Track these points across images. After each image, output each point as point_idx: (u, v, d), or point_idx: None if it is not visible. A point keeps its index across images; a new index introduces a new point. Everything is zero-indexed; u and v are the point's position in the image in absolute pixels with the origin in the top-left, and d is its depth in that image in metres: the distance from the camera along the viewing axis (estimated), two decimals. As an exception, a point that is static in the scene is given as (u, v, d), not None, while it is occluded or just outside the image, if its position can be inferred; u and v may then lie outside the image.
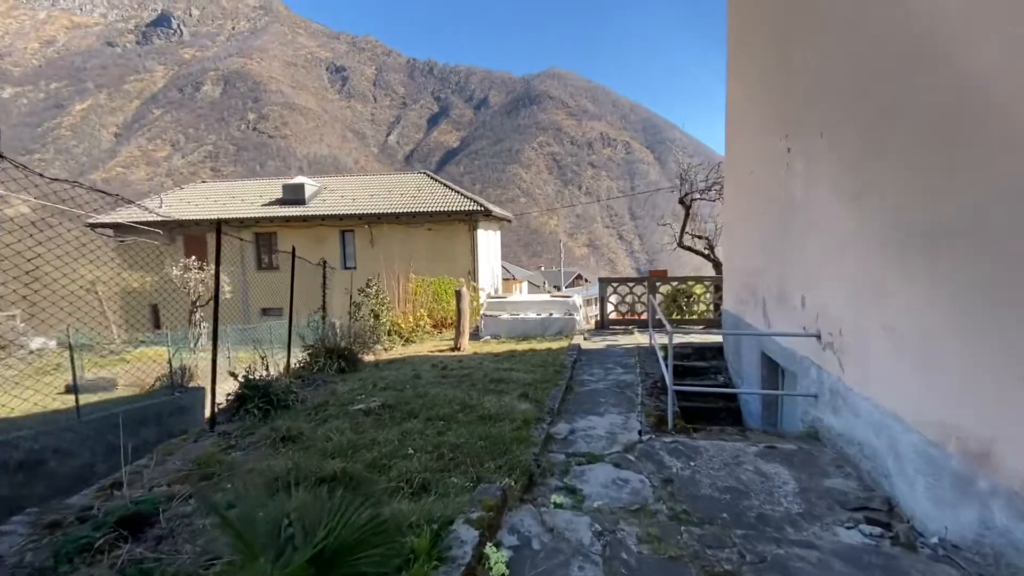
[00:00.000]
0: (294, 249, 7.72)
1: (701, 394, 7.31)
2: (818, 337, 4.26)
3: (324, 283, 8.67)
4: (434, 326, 14.88)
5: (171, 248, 21.10)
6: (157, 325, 22.47)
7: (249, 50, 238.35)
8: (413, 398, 4.92)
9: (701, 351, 8.49)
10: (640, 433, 4.57)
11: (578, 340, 9.10)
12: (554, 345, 8.83)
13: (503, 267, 42.90)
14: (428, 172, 23.11)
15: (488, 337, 11.78)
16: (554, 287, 54.02)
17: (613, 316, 10.88)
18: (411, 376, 6.30)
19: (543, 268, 73.78)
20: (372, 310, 10.44)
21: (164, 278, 18.20)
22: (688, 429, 4.68)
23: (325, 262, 8.65)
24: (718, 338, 9.25)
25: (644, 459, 4.01)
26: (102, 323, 19.61)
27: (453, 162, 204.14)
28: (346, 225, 20.19)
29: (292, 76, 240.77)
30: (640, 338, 9.45)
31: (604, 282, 10.78)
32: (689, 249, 11.63)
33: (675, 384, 4.90)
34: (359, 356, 8.21)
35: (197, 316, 18.84)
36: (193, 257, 18.08)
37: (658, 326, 9.74)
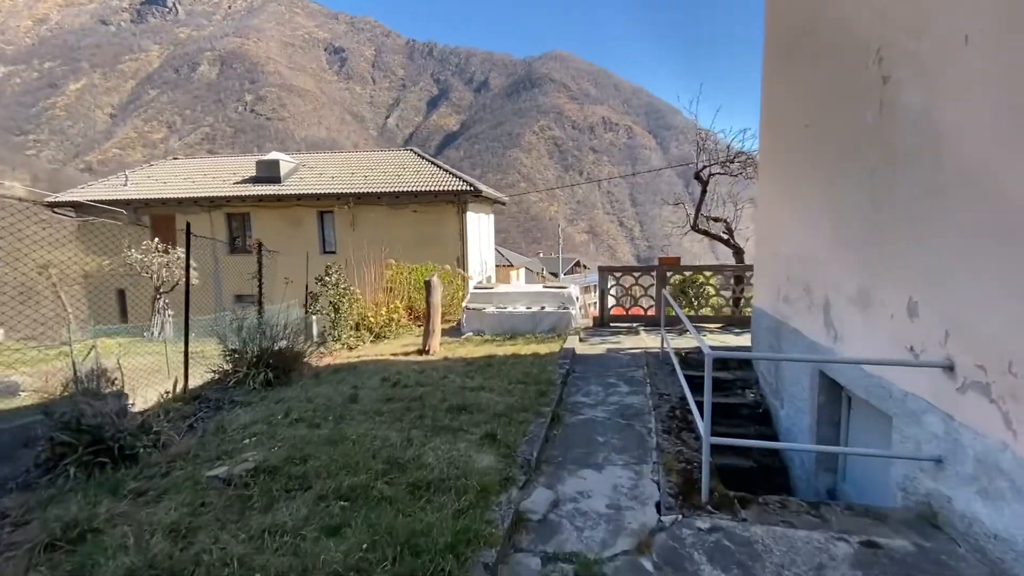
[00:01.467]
0: (188, 226, 6.11)
1: (725, 409, 5.75)
2: (949, 369, 2.65)
3: (259, 270, 7.05)
4: (415, 319, 13.32)
5: (136, 229, 19.47)
6: (124, 313, 20.96)
7: (246, 30, 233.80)
8: (321, 446, 3.33)
9: (723, 358, 6.89)
10: (660, 509, 2.99)
11: (572, 342, 7.50)
12: (543, 349, 7.23)
13: (499, 253, 41.21)
14: (415, 150, 21.35)
15: (470, 333, 10.20)
16: (552, 274, 52.39)
17: (615, 312, 9.28)
18: (346, 398, 4.71)
19: (541, 254, 72.02)
20: (331, 302, 8.84)
21: (124, 262, 16.57)
22: (731, 501, 3.09)
23: (261, 245, 7.03)
24: (742, 340, 7.65)
25: (669, 570, 2.43)
26: (56, 310, 18.06)
27: (453, 146, 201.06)
28: (324, 205, 18.52)
29: (290, 57, 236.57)
30: (648, 340, 7.86)
31: (605, 272, 9.15)
32: (705, 233, 9.98)
33: (711, 432, 3.29)
34: (302, 362, 6.63)
35: (161, 303, 17.28)
36: (156, 239, 16.41)
37: (673, 325, 8.17)
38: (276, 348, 6.20)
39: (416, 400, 4.53)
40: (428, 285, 7.39)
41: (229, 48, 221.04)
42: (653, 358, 6.63)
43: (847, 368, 3.98)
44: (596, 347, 7.42)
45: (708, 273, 8.75)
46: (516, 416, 4.08)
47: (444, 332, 10.75)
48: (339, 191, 18.02)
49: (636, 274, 9.02)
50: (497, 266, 36.21)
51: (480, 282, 20.02)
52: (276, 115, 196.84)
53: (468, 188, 17.33)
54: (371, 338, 9.94)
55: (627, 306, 9.20)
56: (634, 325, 9.05)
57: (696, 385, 4.65)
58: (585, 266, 64.13)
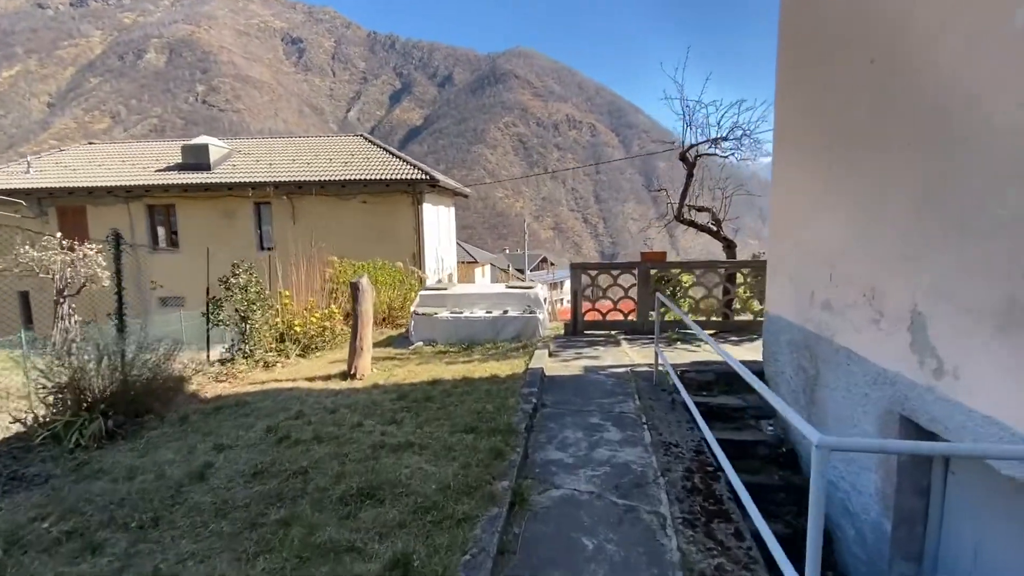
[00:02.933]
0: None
1: (737, 448, 4.34)
2: None
3: (118, 270, 5.20)
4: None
5: (38, 222, 16.91)
6: (30, 319, 18.32)
7: (196, 16, 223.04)
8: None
9: (728, 377, 5.50)
10: None
11: (541, 358, 5.97)
12: (504, 369, 5.67)
13: (463, 249, 39.48)
14: (365, 135, 19.41)
15: (420, 343, 8.58)
16: (518, 271, 50.99)
17: (590, 317, 7.82)
18: (194, 472, 3.04)
19: (508, 251, 70.58)
20: (237, 309, 7.04)
21: (18, 261, 14.11)
22: None
23: (118, 235, 5.19)
24: (744, 351, 6.29)
25: None
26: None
27: (416, 140, 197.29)
28: (262, 196, 16.41)
29: (244, 46, 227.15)
30: (632, 353, 6.41)
31: (578, 269, 7.67)
32: (691, 224, 8.63)
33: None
34: (185, 393, 4.89)
35: (65, 309, 14.89)
36: (59, 233, 14.02)
37: (681, 330, 6.71)
38: (137, 378, 4.44)
39: (299, 476, 2.90)
40: (354, 289, 5.71)
41: (178, 35, 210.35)
42: (644, 381, 5.16)
43: (955, 412, 2.59)
44: (570, 364, 5.91)
45: (699, 271, 7.39)
46: (454, 507, 2.51)
47: (389, 342, 9.11)
48: (277, 179, 15.99)
49: (615, 272, 7.57)
50: (460, 263, 34.46)
51: (440, 280, 18.32)
52: (230, 106, 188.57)
53: (424, 177, 15.60)
54: (297, 351, 8.18)
55: (604, 311, 7.74)
56: (613, 333, 7.61)
57: (707, 415, 3.20)
58: (552, 263, 63.13)
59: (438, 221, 18.19)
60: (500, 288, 9.48)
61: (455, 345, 8.42)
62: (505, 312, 8.69)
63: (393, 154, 17.39)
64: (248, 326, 7.18)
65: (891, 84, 3.15)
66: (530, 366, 5.52)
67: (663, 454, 3.40)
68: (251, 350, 7.35)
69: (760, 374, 5.48)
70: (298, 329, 8.31)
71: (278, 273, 9.65)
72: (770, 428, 4.90)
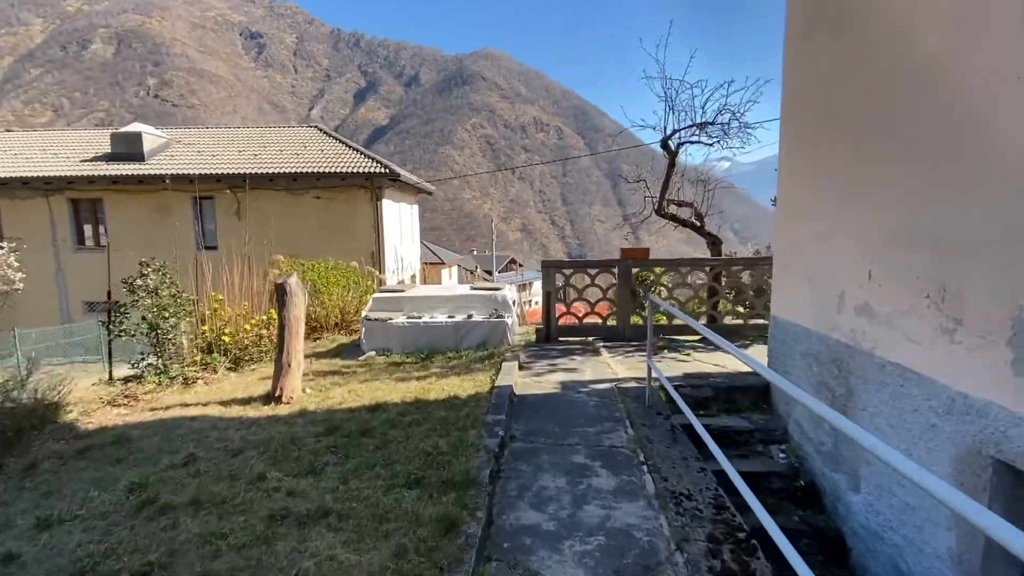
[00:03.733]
0: None
1: (749, 480, 3.53)
2: None
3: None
4: (311, 331, 10.46)
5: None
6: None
7: (147, 6, 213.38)
8: None
9: (729, 393, 4.71)
10: None
11: (510, 372, 5.04)
12: (465, 386, 4.72)
13: (430, 250, 38.26)
14: (320, 126, 18.11)
15: (372, 353, 7.54)
16: (486, 272, 50.06)
17: (564, 321, 6.95)
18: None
19: (475, 252, 69.49)
20: (146, 317, 5.85)
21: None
22: None
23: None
24: (737, 361, 5.52)
25: None
26: None
27: (382, 140, 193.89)
28: (203, 190, 14.92)
29: (200, 39, 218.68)
30: (614, 364, 5.57)
31: (551, 268, 6.78)
32: (672, 219, 7.86)
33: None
34: (22, 436, 3.76)
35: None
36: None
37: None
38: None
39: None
40: (280, 291, 4.62)
41: (128, 26, 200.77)
42: (633, 400, 4.30)
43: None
44: (544, 379, 5.00)
45: (685, 269, 6.61)
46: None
47: (338, 352, 8.05)
48: (220, 172, 14.58)
49: (592, 271, 6.72)
50: (426, 263, 33.24)
51: (403, 280, 17.19)
52: (184, 101, 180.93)
53: (383, 171, 14.47)
54: (228, 364, 7.02)
55: (581, 315, 6.88)
56: (590, 340, 6.75)
57: (720, 441, 2.37)
58: (520, 264, 62.50)
59: (400, 219, 17.08)
60: (464, 290, 8.52)
61: (412, 355, 7.41)
62: (469, 316, 7.74)
63: (350, 146, 16.18)
64: (160, 336, 5.99)
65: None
66: (497, 383, 4.58)
67: (674, 511, 2.52)
68: (165, 365, 6.17)
69: (765, 389, 4.71)
70: (227, 339, 7.14)
71: (207, 275, 8.42)
72: (782, 455, 4.12)
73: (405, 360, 7.17)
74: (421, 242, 38.77)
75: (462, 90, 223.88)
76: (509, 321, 7.64)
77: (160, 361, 6.14)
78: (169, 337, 6.01)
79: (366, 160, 14.95)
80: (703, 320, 6.94)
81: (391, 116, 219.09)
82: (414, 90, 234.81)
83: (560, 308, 6.90)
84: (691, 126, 7.20)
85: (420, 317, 7.85)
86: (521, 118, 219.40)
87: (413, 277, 18.91)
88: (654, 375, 4.10)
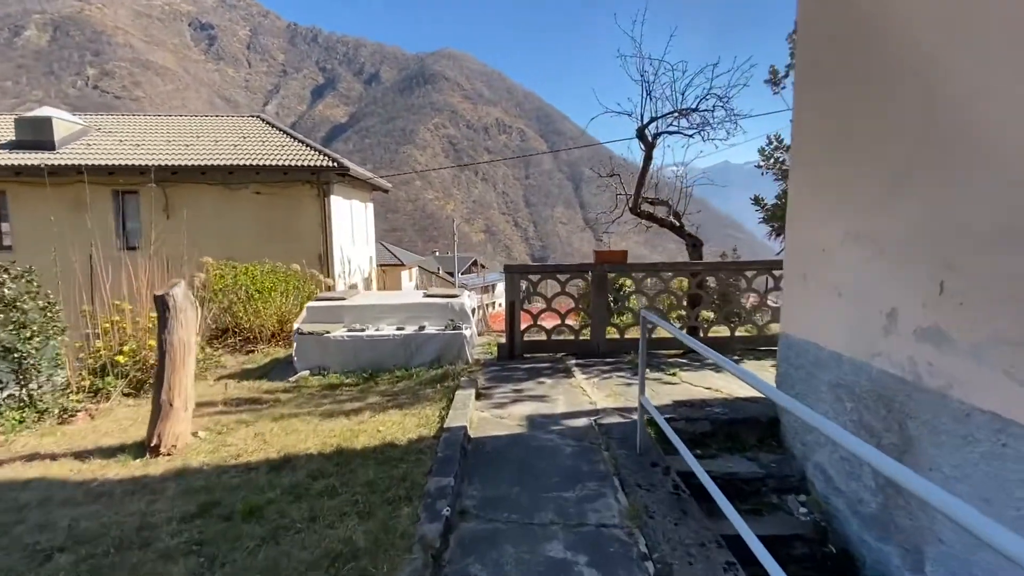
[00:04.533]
0: None
1: (767, 546, 2.68)
2: None
3: None
4: (244, 342, 9.28)
5: None
6: None
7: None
8: None
9: (730, 427, 3.88)
10: None
11: (465, 403, 4.06)
12: (407, 426, 3.72)
13: (389, 251, 36.73)
14: (263, 116, 16.62)
15: (306, 373, 6.44)
16: (448, 273, 48.82)
17: (532, 335, 6.02)
18: None
19: (437, 253, 67.98)
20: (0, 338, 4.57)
21: None
22: None
23: None
24: (737, 384, 4.73)
25: None
26: None
27: (341, 138, 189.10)
28: (125, 184, 13.30)
29: (145, 29, 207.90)
30: (589, 387, 4.68)
31: (516, 274, 5.84)
32: (650, 218, 7.07)
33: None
34: None
35: None
36: None
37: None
38: None
39: None
40: (160, 306, 3.45)
41: (64, 13, 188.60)
42: (619, 443, 3.40)
43: None
44: (507, 414, 4.05)
45: (667, 273, 5.81)
46: None
47: (269, 370, 6.92)
48: (144, 162, 12.98)
49: (562, 277, 5.83)
50: (385, 265, 31.80)
51: (355, 285, 15.89)
52: (127, 93, 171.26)
53: (330, 164, 13.22)
54: (127, 389, 5.77)
55: (549, 327, 5.97)
56: (560, 356, 5.84)
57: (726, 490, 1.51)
58: (483, 265, 61.53)
59: (351, 217, 15.81)
60: (416, 297, 7.48)
61: (353, 374, 6.35)
62: (421, 328, 6.72)
63: (295, 138, 14.80)
64: (21, 361, 4.72)
65: None
66: (447, 423, 3.58)
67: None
68: (30, 396, 4.89)
69: (772, 422, 3.90)
70: (123, 359, 5.87)
71: (123, 280, 7.09)
72: (803, 510, 3.31)
73: (344, 381, 6.11)
74: (380, 243, 37.23)
75: (424, 89, 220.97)
76: (467, 333, 6.66)
77: (23, 392, 4.86)
78: (32, 363, 4.74)
79: (312, 153, 13.65)
80: (683, 331, 6.15)
81: (351, 114, 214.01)
82: (374, 88, 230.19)
83: (526, 319, 5.98)
84: (671, 113, 6.43)
85: (364, 329, 6.77)
86: (484, 119, 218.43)
87: (368, 280, 17.64)
88: (647, 407, 3.21)
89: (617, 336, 5.89)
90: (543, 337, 5.96)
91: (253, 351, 8.90)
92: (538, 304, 6.21)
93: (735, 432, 3.87)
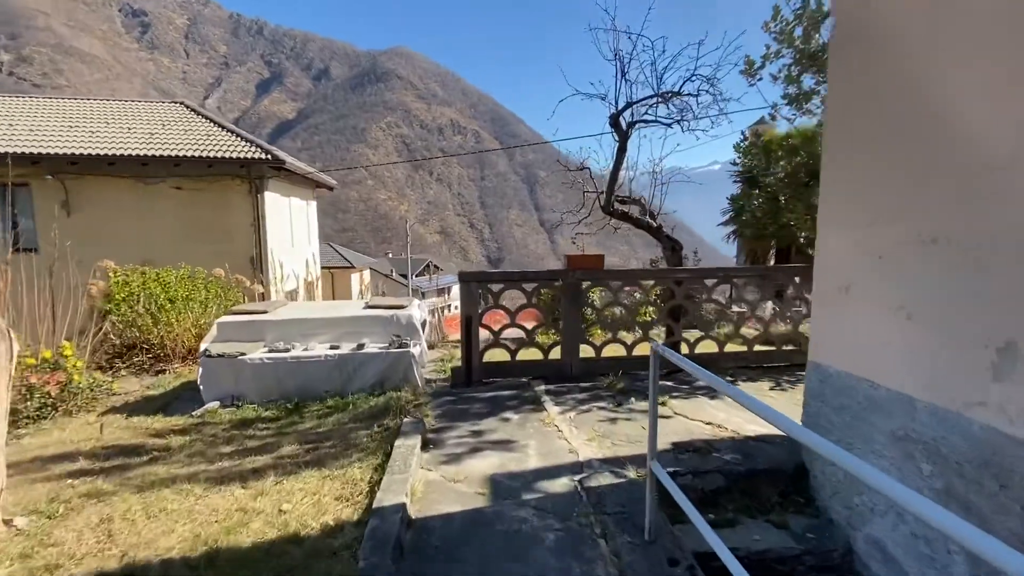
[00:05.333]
0: None
1: None
2: None
3: None
4: (154, 361, 7.99)
5: None
6: None
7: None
8: None
9: (748, 480, 3.06)
10: None
11: (406, 459, 3.06)
12: (322, 504, 2.69)
13: (339, 253, 34.76)
14: (186, 102, 14.89)
15: (214, 405, 5.27)
16: (401, 276, 47.18)
17: (493, 354, 5.06)
18: None
19: (391, 255, 65.79)
20: None
21: None
22: None
23: None
24: (736, 412, 3.94)
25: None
26: None
27: (289, 135, 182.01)
28: (16, 175, 11.38)
29: (69, 13, 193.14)
30: (564, 423, 3.79)
31: (473, 283, 4.87)
32: (624, 218, 6.26)
33: None
34: None
35: None
36: None
37: (625, 371, 3.99)
38: None
39: None
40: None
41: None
42: (615, 520, 2.50)
43: None
44: (463, 471, 3.08)
45: (649, 282, 5.01)
46: None
47: (173, 399, 5.70)
48: (37, 151, 11.17)
49: (529, 287, 4.91)
50: (334, 268, 29.95)
51: (293, 290, 14.43)
52: (48, 81, 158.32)
53: (263, 156, 11.80)
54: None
55: (514, 347, 5.02)
56: (528, 382, 4.91)
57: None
58: (438, 267, 60.11)
59: (291, 217, 14.36)
60: (355, 309, 6.38)
61: (274, 405, 5.21)
62: (360, 347, 5.65)
63: (224, 127, 13.24)
64: None
65: None
66: (379, 497, 2.57)
67: None
68: None
69: (798, 471, 3.11)
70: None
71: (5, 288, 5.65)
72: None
73: (260, 415, 4.99)
74: (328, 244, 35.26)
75: (376, 87, 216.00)
76: (416, 351, 5.63)
77: None
78: None
79: (243, 144, 12.17)
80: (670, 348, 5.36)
81: (299, 110, 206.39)
82: (324, 84, 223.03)
83: (486, 336, 5.01)
84: (651, 96, 5.63)
85: (289, 349, 5.62)
86: (438, 119, 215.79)
87: (311, 285, 16.16)
88: (654, 469, 2.32)
89: (592, 355, 5.02)
90: (506, 358, 5.00)
91: (164, 371, 7.59)
92: (500, 316, 5.26)
93: (754, 486, 3.06)
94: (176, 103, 14.69)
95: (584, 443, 3.41)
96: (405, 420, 3.68)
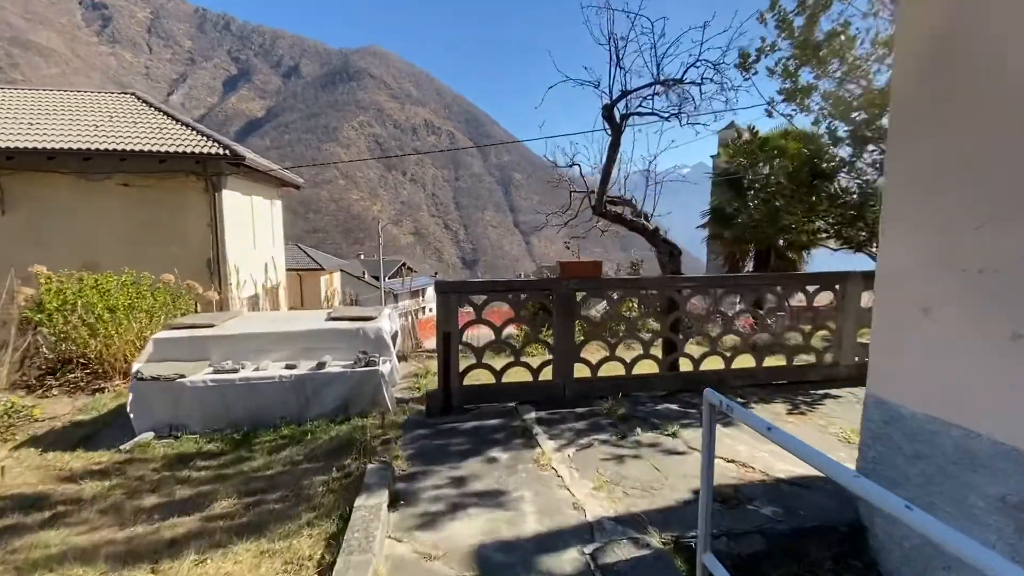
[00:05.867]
0: None
1: None
2: None
3: None
4: (92, 378, 7.25)
5: None
6: None
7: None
8: None
9: (795, 542, 2.48)
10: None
11: (366, 527, 2.40)
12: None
13: (307, 255, 33.44)
14: (137, 93, 13.78)
15: (148, 436, 4.53)
16: (374, 277, 45.91)
17: (476, 376, 4.41)
18: None
19: (363, 256, 64.20)
20: None
21: None
22: None
23: None
24: (781, 455, 3.39)
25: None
26: None
27: (257, 133, 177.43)
28: (-61, 171, 10.25)
29: (25, 4, 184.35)
30: (562, 466, 3.19)
31: (452, 295, 4.20)
32: (616, 220, 5.68)
33: None
34: None
35: None
36: None
37: (624, 393, 3.34)
38: None
39: None
40: None
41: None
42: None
43: None
44: (440, 544, 2.42)
45: (651, 292, 4.43)
46: None
47: (101, 426, 4.91)
48: (-37, 143, 10.05)
49: (514, 298, 4.27)
50: (302, 270, 28.72)
51: (252, 295, 13.44)
52: (2, 75, 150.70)
53: (220, 152, 10.87)
54: None
55: (499, 366, 4.37)
56: (516, 408, 4.27)
57: None
58: (411, 269, 58.90)
59: (253, 217, 13.41)
60: (316, 322, 5.64)
61: (220, 436, 4.47)
62: (321, 365, 4.95)
63: (178, 120, 12.22)
64: None
65: None
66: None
67: None
68: None
69: (852, 529, 2.56)
70: None
71: None
72: None
73: (202, 449, 4.25)
74: (296, 245, 33.94)
75: (348, 86, 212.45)
76: (386, 369, 4.95)
77: None
78: None
79: (198, 138, 11.21)
80: (658, 368, 4.77)
81: (267, 108, 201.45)
82: (294, 82, 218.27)
83: (466, 354, 4.35)
84: (650, 84, 5.08)
85: (238, 370, 4.86)
86: (412, 119, 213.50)
87: (274, 290, 15.18)
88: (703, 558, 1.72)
89: (588, 375, 4.41)
90: (490, 379, 4.35)
91: (103, 390, 6.77)
92: (483, 332, 4.60)
93: (801, 549, 2.49)
94: (126, 93, 13.59)
95: (590, 494, 2.79)
96: (369, 467, 3.00)
